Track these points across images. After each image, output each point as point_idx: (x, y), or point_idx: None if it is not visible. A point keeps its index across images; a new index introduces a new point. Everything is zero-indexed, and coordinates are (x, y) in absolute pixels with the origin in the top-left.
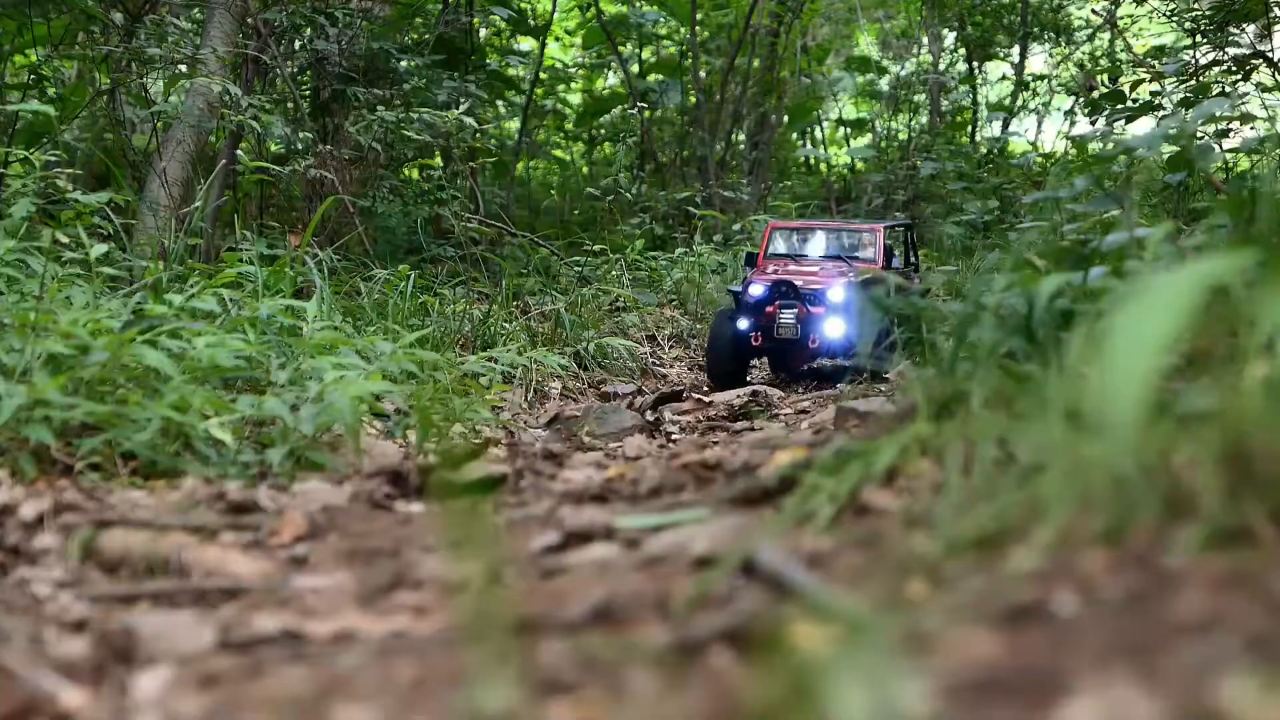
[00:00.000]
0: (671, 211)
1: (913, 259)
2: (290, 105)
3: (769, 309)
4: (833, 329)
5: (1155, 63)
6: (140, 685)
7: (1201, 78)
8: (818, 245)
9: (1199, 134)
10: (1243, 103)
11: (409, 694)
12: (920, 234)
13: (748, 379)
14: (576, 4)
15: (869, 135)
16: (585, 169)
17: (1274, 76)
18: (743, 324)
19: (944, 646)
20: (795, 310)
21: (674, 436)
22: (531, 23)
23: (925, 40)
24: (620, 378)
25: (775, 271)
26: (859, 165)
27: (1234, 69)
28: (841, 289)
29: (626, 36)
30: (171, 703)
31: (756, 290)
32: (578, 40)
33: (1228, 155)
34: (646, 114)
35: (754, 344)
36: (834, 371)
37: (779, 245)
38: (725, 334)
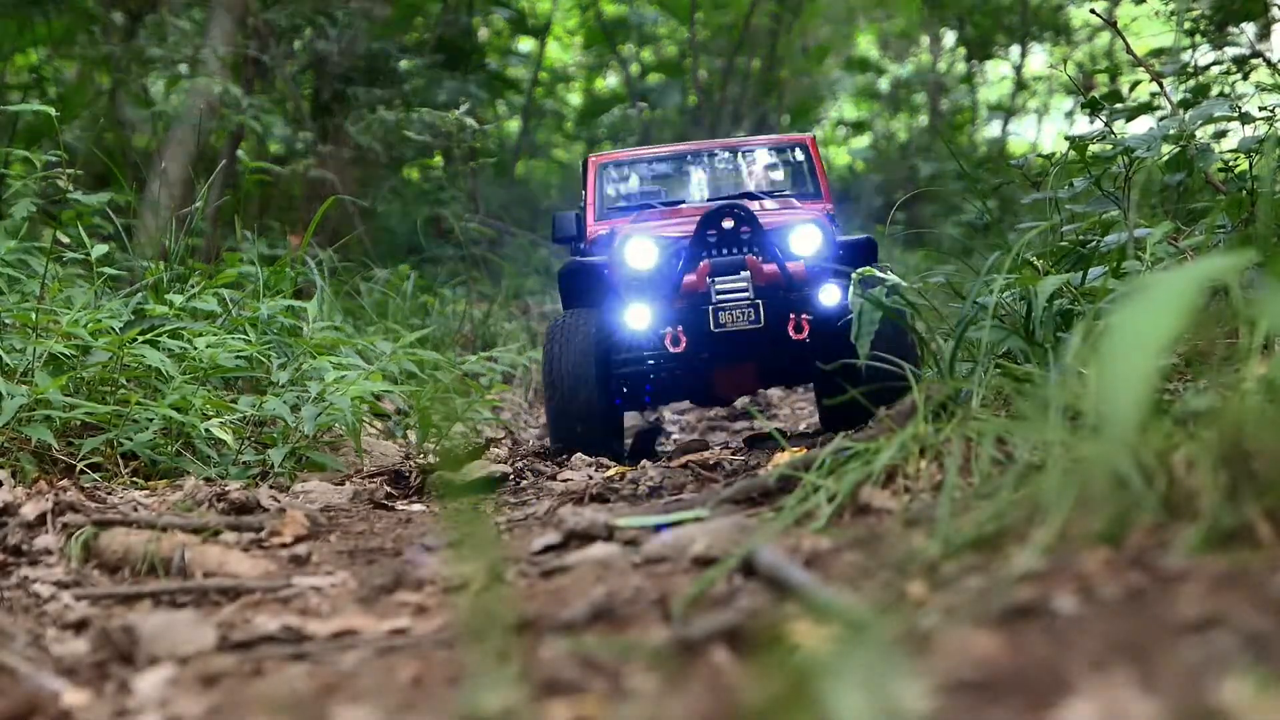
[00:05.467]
0: None
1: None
2: (290, 105)
3: (690, 278)
4: (828, 296)
5: (1155, 62)
6: (141, 685)
7: (1200, 78)
8: (701, 180)
9: (1198, 134)
10: (1242, 103)
11: (409, 693)
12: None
13: (656, 440)
14: (576, 4)
15: (869, 135)
16: None
17: (1273, 76)
18: (637, 319)
19: (943, 646)
20: (747, 275)
21: (673, 436)
22: (531, 23)
23: (925, 40)
24: None
25: (653, 222)
26: (859, 165)
27: (1233, 69)
28: (818, 227)
29: (626, 36)
30: (172, 702)
31: (641, 249)
32: (578, 40)
33: (1227, 156)
34: (646, 114)
35: (671, 352)
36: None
37: (619, 192)
38: (586, 352)
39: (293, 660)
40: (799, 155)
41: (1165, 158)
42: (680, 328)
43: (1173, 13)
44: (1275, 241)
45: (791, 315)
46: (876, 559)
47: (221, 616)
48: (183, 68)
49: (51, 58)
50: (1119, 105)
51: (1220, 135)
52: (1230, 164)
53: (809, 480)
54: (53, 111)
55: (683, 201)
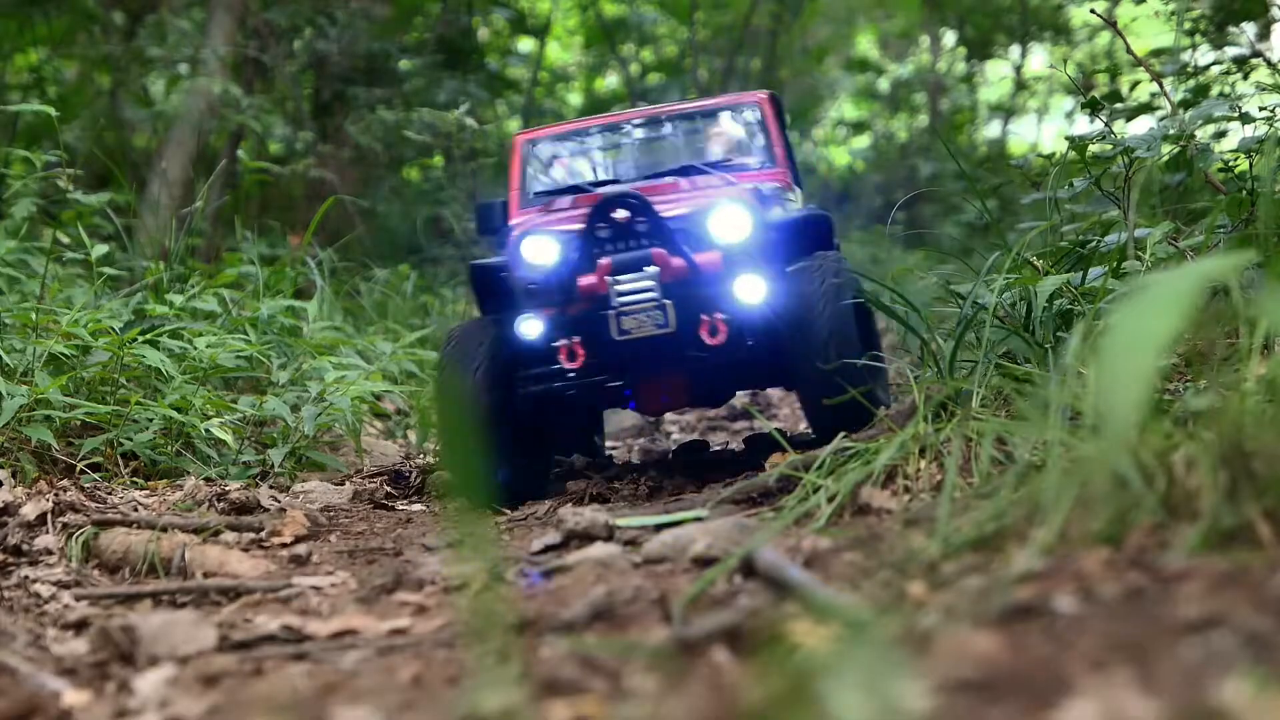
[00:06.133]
0: None
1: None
2: (290, 105)
3: (587, 279)
4: (747, 291)
5: (1155, 62)
6: (141, 685)
7: (1200, 78)
8: (641, 154)
9: (1198, 134)
10: (1241, 103)
11: (409, 693)
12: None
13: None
14: (577, 4)
15: (869, 135)
16: None
17: (1273, 76)
18: (530, 327)
19: (943, 646)
20: (654, 272)
21: (673, 436)
22: (531, 23)
23: (925, 40)
24: None
25: (562, 212)
26: (859, 165)
27: (1233, 69)
28: (744, 207)
29: (626, 36)
30: (172, 702)
31: (539, 246)
32: (578, 40)
33: (1227, 156)
34: None
35: (564, 369)
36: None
37: (550, 174)
38: (479, 368)
39: (293, 660)
40: (752, 118)
41: (1165, 158)
42: (577, 339)
43: (1173, 13)
44: (1275, 241)
45: (704, 316)
46: (876, 559)
47: (221, 616)
48: (183, 68)
49: (51, 58)
50: (1119, 105)
51: (1220, 135)
52: (1230, 164)
53: (809, 480)
54: (53, 111)
55: (617, 180)
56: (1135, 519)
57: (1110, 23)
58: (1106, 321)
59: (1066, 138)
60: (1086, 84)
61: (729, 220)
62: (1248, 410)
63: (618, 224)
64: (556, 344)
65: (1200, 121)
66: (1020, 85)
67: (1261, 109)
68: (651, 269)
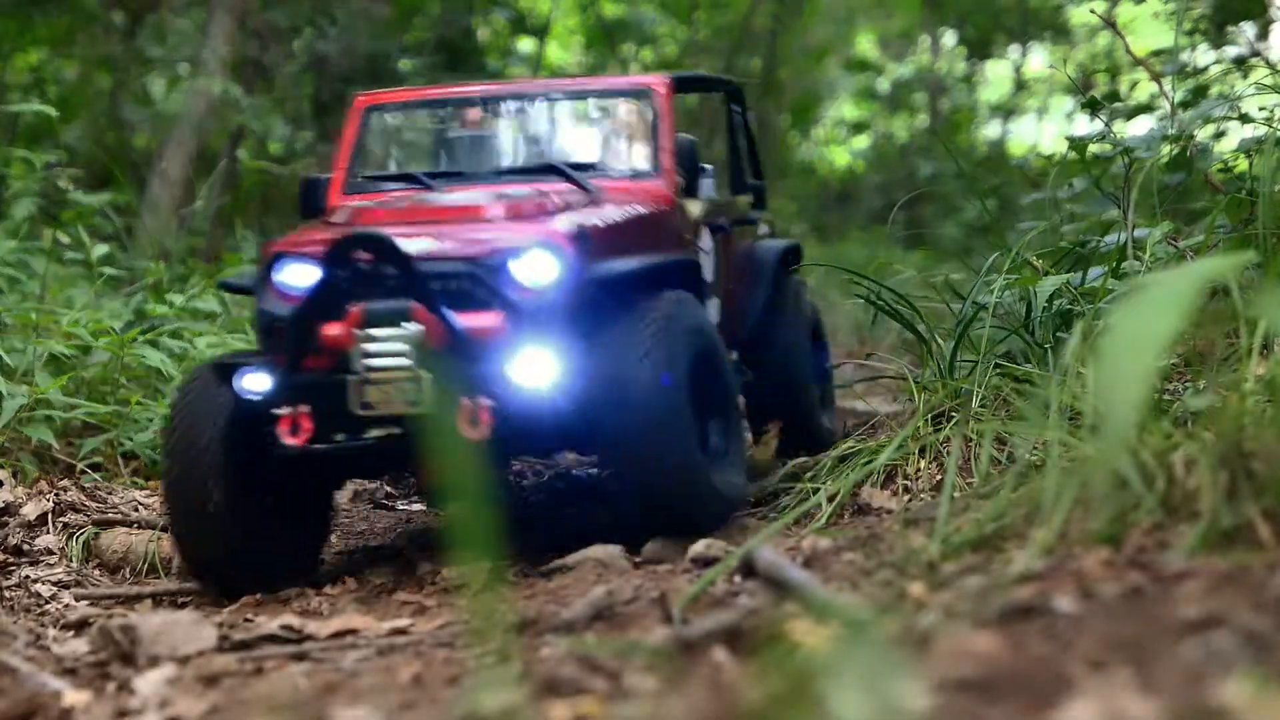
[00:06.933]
0: None
1: (756, 180)
2: (290, 105)
3: (333, 328)
4: (528, 370)
5: (1155, 62)
6: (141, 685)
7: (1200, 78)
8: (503, 141)
9: (1197, 134)
10: (1241, 103)
11: (409, 693)
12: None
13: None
14: (577, 4)
15: (869, 135)
16: None
17: (1273, 77)
18: (254, 383)
19: (943, 646)
20: (415, 331)
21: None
22: (531, 23)
23: (925, 40)
24: None
25: (355, 220)
26: (859, 165)
27: (1233, 69)
28: (550, 253)
29: (626, 36)
30: (172, 702)
31: (294, 276)
32: (578, 40)
33: (1226, 156)
34: None
35: (289, 448)
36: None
37: (390, 153)
38: (203, 430)
39: (293, 660)
40: (641, 110)
41: (1165, 158)
42: (304, 408)
43: (1172, 13)
44: (1275, 241)
45: (466, 399)
46: (876, 559)
47: (221, 616)
48: (183, 68)
49: (51, 58)
50: (1119, 105)
51: (1220, 135)
52: (1230, 164)
53: (809, 480)
54: (53, 111)
55: (461, 174)
56: (1135, 519)
57: (1110, 23)
58: (1106, 321)
59: (1066, 138)
60: (1086, 84)
61: (526, 270)
62: (1247, 410)
63: (360, 269)
64: (278, 411)
65: (1200, 121)
66: (1020, 85)
67: (1261, 109)
68: (413, 326)
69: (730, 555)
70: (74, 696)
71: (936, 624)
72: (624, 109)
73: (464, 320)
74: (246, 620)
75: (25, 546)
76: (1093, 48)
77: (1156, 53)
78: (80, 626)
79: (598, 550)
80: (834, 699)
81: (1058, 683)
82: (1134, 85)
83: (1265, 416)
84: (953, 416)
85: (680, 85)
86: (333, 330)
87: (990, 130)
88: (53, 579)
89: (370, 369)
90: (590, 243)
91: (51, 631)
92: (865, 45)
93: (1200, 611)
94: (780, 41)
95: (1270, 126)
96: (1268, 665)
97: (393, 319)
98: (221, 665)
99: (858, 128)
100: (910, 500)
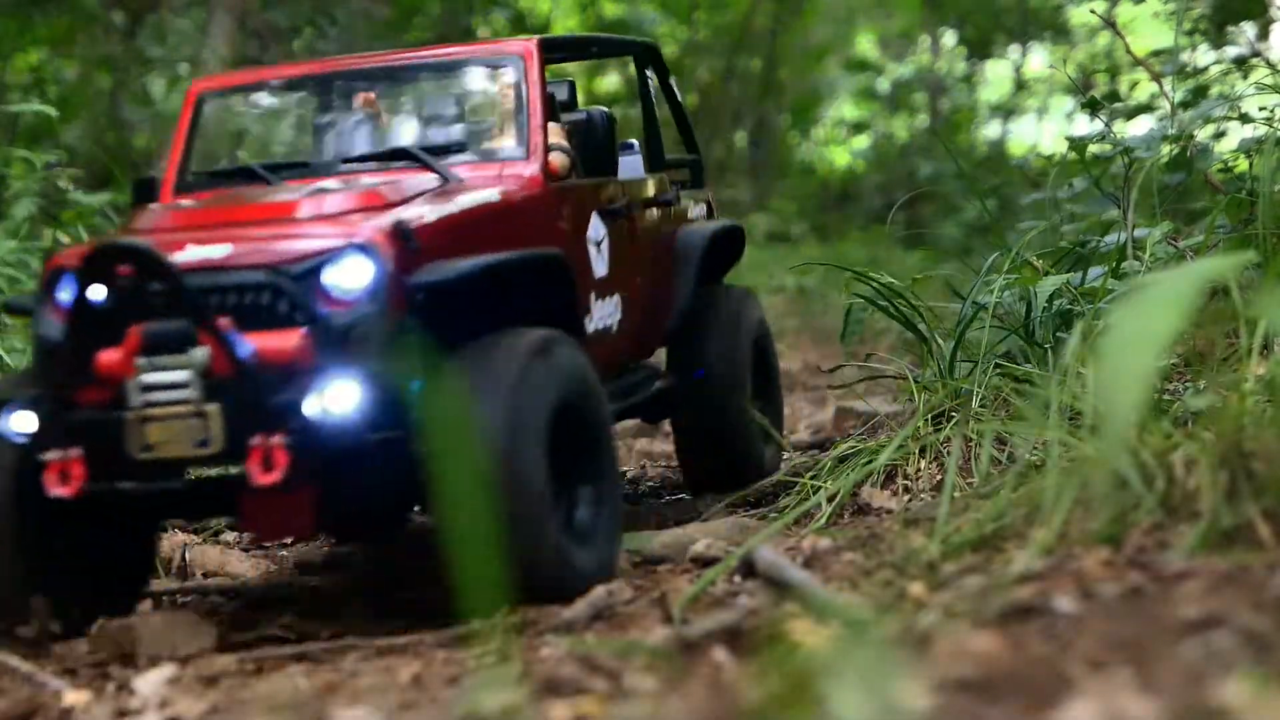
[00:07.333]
0: None
1: (690, 154)
2: None
3: (111, 356)
4: (337, 402)
5: (1155, 62)
6: (141, 685)
7: (1200, 78)
8: (353, 125)
9: (1197, 134)
10: (1241, 103)
11: (409, 693)
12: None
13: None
14: (576, 4)
15: (869, 135)
16: None
17: (1273, 77)
18: (20, 421)
19: (943, 645)
20: (200, 356)
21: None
22: (531, 23)
23: (925, 40)
24: None
25: (145, 226)
26: (859, 165)
27: (1233, 69)
28: (365, 254)
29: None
30: (172, 702)
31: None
32: None
33: (1227, 156)
34: None
35: (53, 495)
36: None
37: (230, 142)
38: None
39: (293, 660)
40: (506, 81)
41: (1165, 158)
42: (76, 452)
43: (1172, 13)
44: (1275, 241)
45: (258, 438)
46: (876, 559)
47: (221, 616)
48: (183, 68)
49: (52, 58)
50: (1119, 105)
51: (1220, 135)
52: (1230, 164)
53: (809, 480)
54: (53, 111)
55: (305, 164)
56: (1135, 519)
57: (1110, 23)
58: (1106, 321)
59: (1066, 138)
60: (1086, 84)
61: (335, 279)
62: (1247, 410)
63: (122, 285)
64: (45, 458)
65: (1200, 121)
66: (1020, 85)
67: (1261, 109)
68: (199, 351)
69: (730, 555)
70: (74, 696)
71: (936, 624)
72: (489, 80)
73: (258, 342)
74: (246, 620)
75: None
76: (1093, 48)
77: (1156, 53)
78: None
79: None
80: (834, 699)
81: (1058, 683)
82: (1134, 85)
83: (1265, 416)
84: (953, 416)
85: (552, 47)
86: (109, 357)
87: (990, 130)
88: None
89: (151, 404)
90: (416, 243)
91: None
92: (865, 45)
93: (1200, 611)
94: (780, 41)
95: (1270, 126)
96: (1268, 665)
97: (174, 343)
98: (222, 665)
99: (858, 128)
100: (910, 500)
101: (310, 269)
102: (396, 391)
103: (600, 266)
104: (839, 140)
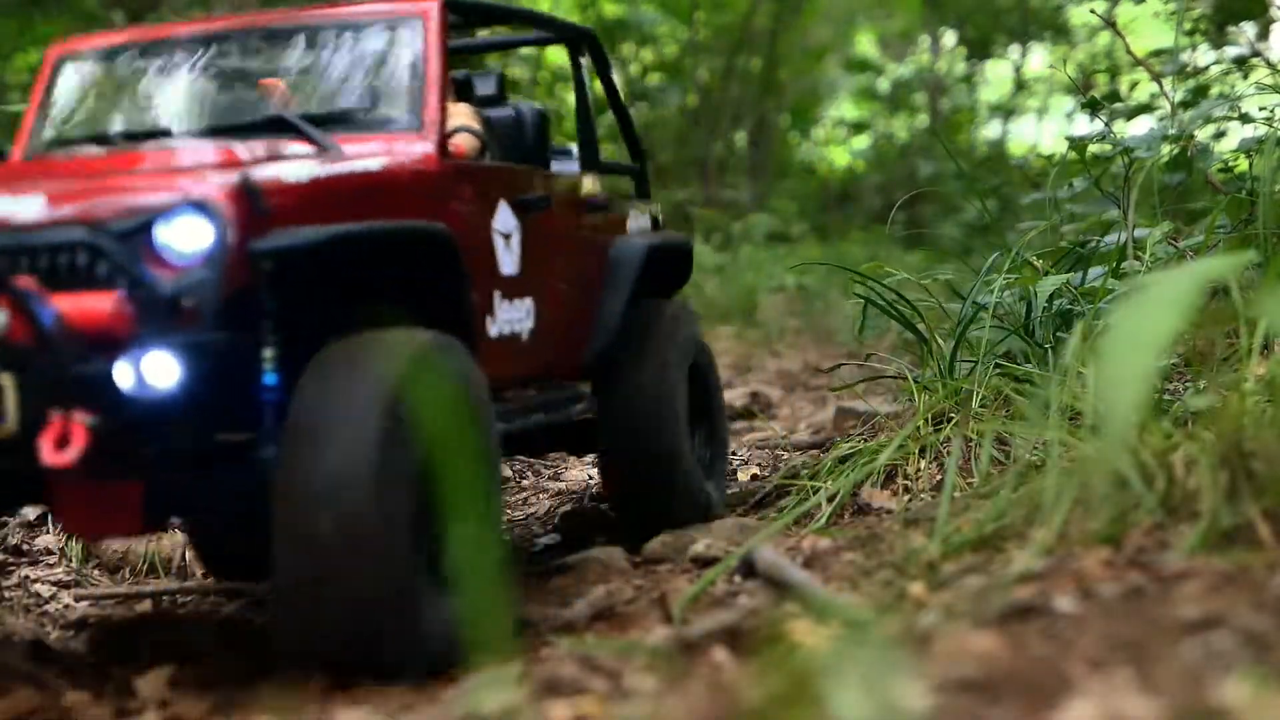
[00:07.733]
0: (670, 212)
1: (634, 161)
2: None
3: None
4: (158, 373)
5: (1155, 62)
6: (141, 685)
7: (1200, 78)
8: (229, 98)
9: (1197, 134)
10: (1241, 103)
11: (409, 693)
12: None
13: None
14: (576, 4)
15: (869, 135)
16: None
17: (1273, 77)
18: None
19: (943, 646)
20: None
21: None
22: None
23: (925, 40)
24: None
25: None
26: (859, 165)
27: (1233, 69)
28: (202, 212)
29: (626, 36)
30: (172, 702)
31: None
32: None
33: (1227, 156)
34: (646, 114)
35: None
36: None
37: (89, 111)
38: None
39: None
40: (403, 44)
41: (1165, 158)
42: None
43: (1172, 13)
44: (1275, 241)
45: (57, 414)
46: (876, 559)
47: (222, 616)
48: None
49: None
50: (1119, 105)
51: (1220, 135)
52: (1230, 164)
53: (809, 480)
54: None
55: (167, 132)
56: (1135, 519)
57: (1110, 23)
58: (1106, 321)
59: (1066, 138)
60: (1086, 84)
61: (167, 239)
62: (1248, 410)
63: None
64: None
65: (1200, 121)
66: (1020, 85)
67: (1261, 109)
68: None
69: (730, 555)
70: (74, 696)
71: (936, 624)
72: (385, 44)
73: (66, 305)
74: (247, 620)
75: (25, 546)
76: (1093, 48)
77: (1156, 53)
78: (80, 626)
79: (598, 550)
80: (834, 699)
81: (1058, 683)
82: (1134, 85)
83: (1265, 416)
84: (953, 416)
85: (460, 11)
86: None
87: (990, 130)
88: (52, 579)
89: None
90: (265, 205)
91: (52, 631)
92: (865, 45)
93: (1200, 611)
94: (780, 41)
95: (1270, 126)
96: (1268, 665)
97: None
98: (221, 666)
99: (858, 128)
100: (910, 500)
101: (137, 226)
102: (239, 379)
103: (509, 263)
104: (839, 140)
